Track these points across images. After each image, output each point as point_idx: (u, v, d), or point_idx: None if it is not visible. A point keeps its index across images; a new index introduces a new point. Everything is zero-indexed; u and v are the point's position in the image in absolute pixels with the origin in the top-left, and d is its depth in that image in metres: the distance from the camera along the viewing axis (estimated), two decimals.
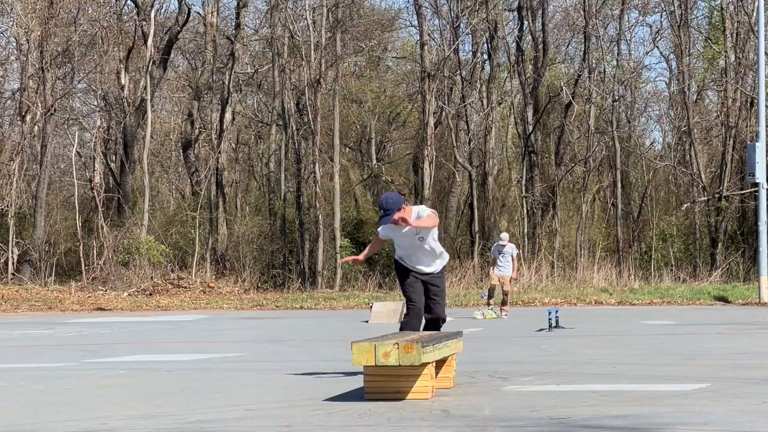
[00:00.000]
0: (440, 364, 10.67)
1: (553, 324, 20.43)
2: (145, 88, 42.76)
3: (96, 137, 45.92)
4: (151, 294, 36.97)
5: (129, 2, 46.06)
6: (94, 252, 40.24)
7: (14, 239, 40.76)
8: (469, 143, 44.96)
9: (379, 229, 11.91)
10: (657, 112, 53.12)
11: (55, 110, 42.04)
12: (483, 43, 45.52)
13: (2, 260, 40.41)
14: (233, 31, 45.46)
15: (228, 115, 44.58)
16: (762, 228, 32.22)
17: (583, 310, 30.13)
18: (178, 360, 15.14)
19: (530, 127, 44.37)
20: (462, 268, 39.99)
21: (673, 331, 20.05)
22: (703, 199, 43.32)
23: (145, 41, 43.16)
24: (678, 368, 12.67)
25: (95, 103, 48.08)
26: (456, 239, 45.38)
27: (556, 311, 21.27)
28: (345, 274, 40.94)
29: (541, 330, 20.25)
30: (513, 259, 26.50)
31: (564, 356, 14.76)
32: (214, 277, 40.61)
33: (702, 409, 8.95)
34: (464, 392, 10.43)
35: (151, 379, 12.51)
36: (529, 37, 46.11)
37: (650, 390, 10.37)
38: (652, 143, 53.98)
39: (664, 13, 46.78)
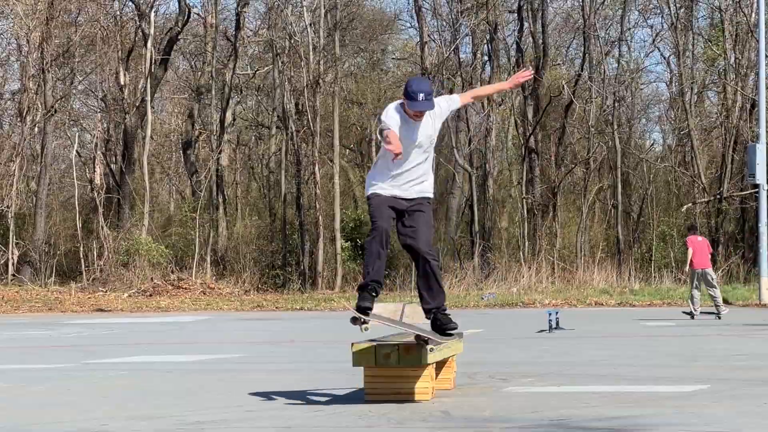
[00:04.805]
0: (440, 365, 10.66)
1: (554, 325, 20.43)
2: (145, 89, 42.75)
3: (96, 138, 45.94)
4: (151, 295, 36.98)
5: (129, 3, 46.07)
6: (94, 253, 40.27)
7: (14, 240, 40.77)
8: (469, 144, 44.95)
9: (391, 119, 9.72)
10: (657, 113, 53.20)
11: (55, 111, 42.04)
12: (483, 44, 45.55)
13: (2, 261, 40.43)
14: (233, 31, 45.44)
15: (228, 116, 44.59)
16: (762, 229, 32.22)
17: (583, 311, 30.12)
18: (179, 361, 15.13)
19: (530, 128, 44.37)
20: (462, 269, 39.98)
21: (673, 333, 20.06)
22: (703, 200, 43.32)
23: (145, 42, 43.17)
24: (678, 369, 12.67)
25: (95, 104, 48.10)
26: (456, 240, 45.41)
27: (557, 312, 21.28)
28: (345, 275, 40.95)
29: (541, 331, 20.25)
30: None
31: (564, 357, 14.76)
32: (214, 278, 40.59)
33: (702, 410, 8.95)
34: (464, 393, 10.43)
35: (151, 379, 12.51)
36: (530, 38, 46.11)
37: (651, 391, 10.38)
38: (652, 145, 53.98)
39: (664, 14, 46.83)
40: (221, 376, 12.74)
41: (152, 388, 11.45)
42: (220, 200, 44.02)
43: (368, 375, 9.90)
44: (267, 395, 10.45)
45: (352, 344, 9.89)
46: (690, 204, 43.60)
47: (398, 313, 28.32)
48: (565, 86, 45.03)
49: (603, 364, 13.55)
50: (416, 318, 27.12)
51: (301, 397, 10.30)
